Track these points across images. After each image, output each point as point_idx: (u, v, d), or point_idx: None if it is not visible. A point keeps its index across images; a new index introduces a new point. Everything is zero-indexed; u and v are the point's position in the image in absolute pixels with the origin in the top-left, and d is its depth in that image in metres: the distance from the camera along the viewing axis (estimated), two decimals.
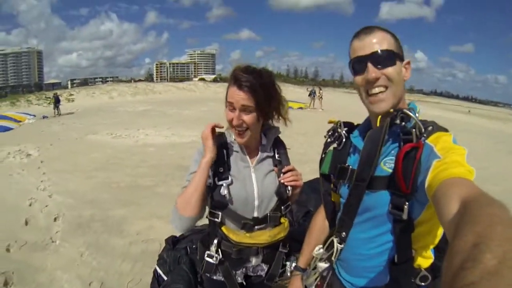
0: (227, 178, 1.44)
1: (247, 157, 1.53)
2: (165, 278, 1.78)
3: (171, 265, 1.82)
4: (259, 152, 1.55)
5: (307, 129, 12.23)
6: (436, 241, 1.07)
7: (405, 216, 0.97)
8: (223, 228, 1.47)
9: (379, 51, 1.03)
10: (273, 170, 1.55)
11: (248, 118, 1.40)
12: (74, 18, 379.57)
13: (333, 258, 1.21)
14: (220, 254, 1.48)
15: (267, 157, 1.57)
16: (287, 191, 1.51)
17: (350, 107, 18.89)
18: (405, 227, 1.00)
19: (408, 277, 1.05)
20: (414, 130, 0.97)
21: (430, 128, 0.97)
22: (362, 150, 1.07)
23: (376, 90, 1.05)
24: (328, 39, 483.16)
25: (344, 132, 1.24)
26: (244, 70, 1.40)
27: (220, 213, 1.45)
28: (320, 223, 1.39)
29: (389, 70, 1.03)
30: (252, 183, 1.49)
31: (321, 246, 1.28)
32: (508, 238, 0.43)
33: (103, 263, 3.54)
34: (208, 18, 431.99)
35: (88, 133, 12.74)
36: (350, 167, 1.13)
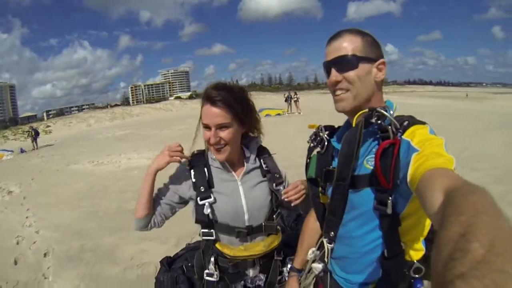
0: (210, 197, 1.44)
1: (232, 171, 1.52)
2: None
3: (168, 286, 1.82)
4: (245, 165, 1.54)
5: (287, 134, 12.35)
6: (425, 233, 1.10)
7: (389, 211, 1.00)
8: (217, 245, 1.49)
9: (340, 56, 1.09)
10: (262, 181, 1.55)
11: (225, 134, 1.39)
12: (45, 49, 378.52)
13: (325, 259, 1.24)
14: (218, 270, 1.49)
15: (254, 168, 1.56)
16: (281, 197, 1.50)
17: (326, 108, 18.93)
18: (391, 221, 1.03)
19: (400, 270, 1.07)
20: (390, 127, 1.00)
21: (406, 123, 1.00)
22: (340, 150, 1.11)
23: (338, 92, 1.11)
24: (299, 44, 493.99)
25: (325, 136, 1.27)
26: (214, 87, 1.41)
27: (213, 230, 1.47)
28: (311, 225, 1.42)
29: (350, 74, 1.08)
30: (240, 197, 1.49)
31: (313, 249, 1.31)
32: (493, 226, 0.44)
33: None
34: (181, 37, 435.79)
35: (69, 163, 12.55)
36: (336, 169, 1.14)
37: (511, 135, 10.38)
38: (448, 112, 18.67)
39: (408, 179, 0.87)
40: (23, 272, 4.13)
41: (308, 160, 1.33)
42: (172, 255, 1.97)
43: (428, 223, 1.09)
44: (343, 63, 1.09)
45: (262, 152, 1.62)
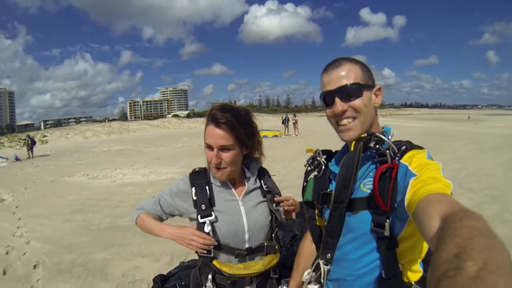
0: (211, 215, 1.45)
1: (233, 190, 1.53)
2: None
3: None
4: (246, 185, 1.55)
5: (284, 156, 12.37)
6: (423, 255, 1.11)
7: (387, 233, 1.01)
8: (214, 262, 1.48)
9: (345, 85, 1.09)
10: (262, 201, 1.56)
11: (227, 156, 1.41)
12: (48, 58, 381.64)
13: (321, 280, 1.23)
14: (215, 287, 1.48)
15: (255, 188, 1.57)
16: (281, 218, 1.53)
17: (324, 130, 19.24)
18: (389, 243, 1.03)
19: None
20: (388, 151, 1.02)
21: (403, 147, 1.02)
22: (338, 173, 1.12)
23: (345, 121, 1.12)
24: (298, 67, 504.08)
25: (323, 159, 1.29)
26: (220, 108, 1.42)
27: (212, 249, 1.47)
28: (307, 247, 1.42)
29: (356, 102, 1.09)
30: (241, 216, 1.49)
31: (309, 270, 1.31)
32: (487, 246, 0.47)
33: None
34: (181, 55, 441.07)
35: (64, 175, 12.48)
36: (333, 191, 1.15)
37: (504, 156, 11.47)
38: (445, 134, 19.18)
39: (406, 204, 0.88)
40: (12, 283, 4.06)
41: (305, 184, 1.35)
42: (165, 273, 1.97)
43: (425, 245, 1.11)
44: (348, 92, 1.10)
45: (263, 173, 1.65)
